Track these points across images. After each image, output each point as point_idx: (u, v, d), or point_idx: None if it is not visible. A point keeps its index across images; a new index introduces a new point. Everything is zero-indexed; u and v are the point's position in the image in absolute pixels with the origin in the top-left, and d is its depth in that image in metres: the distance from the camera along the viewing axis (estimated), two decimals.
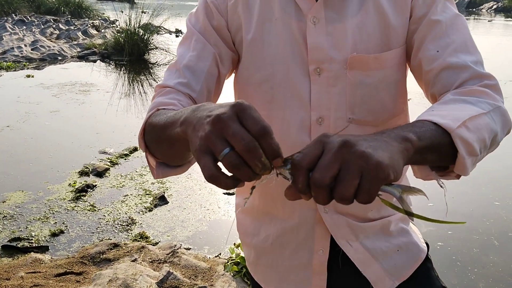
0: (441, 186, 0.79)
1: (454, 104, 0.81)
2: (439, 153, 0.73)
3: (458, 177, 0.79)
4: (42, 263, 2.92)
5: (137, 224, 3.45)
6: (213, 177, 0.60)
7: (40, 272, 2.81)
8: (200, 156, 0.60)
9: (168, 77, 0.98)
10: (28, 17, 13.70)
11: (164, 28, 13.07)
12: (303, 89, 0.95)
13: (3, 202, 3.71)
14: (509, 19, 22.05)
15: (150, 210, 3.64)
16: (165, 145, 0.78)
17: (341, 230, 1.02)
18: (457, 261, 2.92)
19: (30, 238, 3.24)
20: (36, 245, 3.16)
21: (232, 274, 2.74)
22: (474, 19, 22.31)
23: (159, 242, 3.21)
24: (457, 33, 0.91)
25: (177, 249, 3.02)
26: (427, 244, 1.15)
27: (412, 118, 1.04)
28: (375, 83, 0.94)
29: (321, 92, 0.94)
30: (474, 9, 28.01)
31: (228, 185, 0.60)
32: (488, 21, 21.33)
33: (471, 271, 2.82)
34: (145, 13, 10.74)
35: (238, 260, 2.81)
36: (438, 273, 1.13)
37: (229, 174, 0.61)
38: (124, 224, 3.44)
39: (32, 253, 3.05)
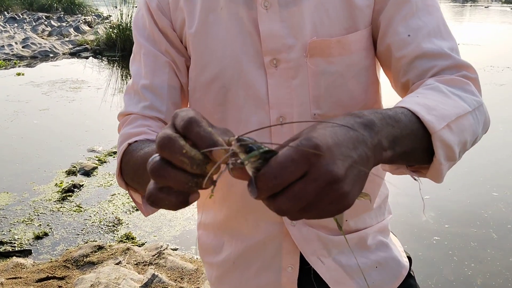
0: (415, 179, 0.69)
1: (442, 94, 0.69)
2: (409, 160, 0.63)
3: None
4: (24, 268, 2.82)
5: (123, 224, 3.34)
6: (151, 197, 0.50)
7: (21, 277, 2.71)
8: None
9: (129, 102, 0.89)
10: (20, 15, 13.55)
11: None
12: (258, 85, 0.83)
13: None
14: (506, 5, 21.83)
15: (137, 210, 3.52)
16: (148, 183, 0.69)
17: (311, 245, 0.90)
18: (454, 256, 2.81)
19: (13, 241, 3.14)
20: (19, 249, 3.06)
21: None
22: (471, 5, 22.10)
23: (145, 242, 3.10)
24: (429, 15, 0.80)
25: (163, 250, 2.92)
26: (410, 259, 1.04)
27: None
28: (341, 71, 0.82)
29: (280, 86, 0.82)
30: None
31: (172, 202, 0.50)
32: (485, 7, 21.12)
33: (468, 266, 2.71)
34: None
35: None
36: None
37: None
38: (110, 224, 3.34)
39: (14, 257, 2.95)
